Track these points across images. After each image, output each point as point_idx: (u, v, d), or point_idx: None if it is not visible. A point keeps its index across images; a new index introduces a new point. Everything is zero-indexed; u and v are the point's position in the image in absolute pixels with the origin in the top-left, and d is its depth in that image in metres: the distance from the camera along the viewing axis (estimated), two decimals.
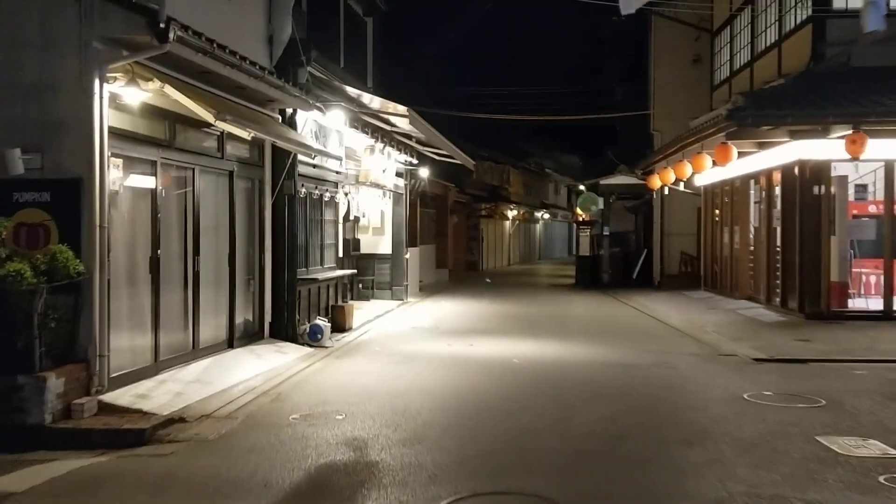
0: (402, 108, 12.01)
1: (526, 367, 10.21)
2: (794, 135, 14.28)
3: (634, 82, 27.93)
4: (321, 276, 12.73)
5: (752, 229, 18.34)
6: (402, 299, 19.42)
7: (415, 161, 19.49)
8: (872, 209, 15.39)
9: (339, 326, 13.34)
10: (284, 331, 11.14)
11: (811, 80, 13.74)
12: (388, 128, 14.91)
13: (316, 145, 11.96)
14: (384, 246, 19.68)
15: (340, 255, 14.11)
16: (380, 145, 15.41)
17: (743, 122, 12.67)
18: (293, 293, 11.19)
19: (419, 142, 18.69)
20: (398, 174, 19.43)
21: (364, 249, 19.43)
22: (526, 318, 16.49)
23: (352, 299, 18.71)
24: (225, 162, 9.84)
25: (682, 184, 20.54)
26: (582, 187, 27.05)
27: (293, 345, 11.02)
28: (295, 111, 11.23)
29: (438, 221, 28.82)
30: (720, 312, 16.69)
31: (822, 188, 14.09)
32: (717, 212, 21.02)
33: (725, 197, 19.98)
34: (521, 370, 9.94)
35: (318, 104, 11.50)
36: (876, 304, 14.44)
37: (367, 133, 14.57)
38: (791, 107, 12.71)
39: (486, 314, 17.21)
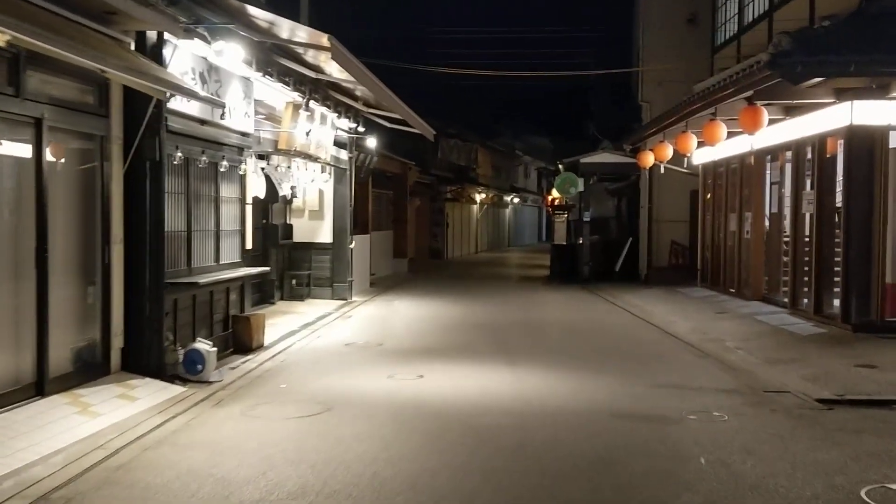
0: (323, 39, 8.53)
1: (504, 426, 6.72)
2: (842, 94, 11.05)
3: (619, 45, 24.63)
4: (213, 277, 9.26)
5: (767, 215, 15.15)
6: (346, 299, 15.99)
7: (360, 129, 15.99)
8: None
9: (244, 346, 9.90)
10: (145, 360, 7.67)
11: (866, 22, 10.47)
12: (317, 76, 11.42)
13: (202, 92, 8.45)
14: (324, 233, 16.21)
15: (249, 245, 10.61)
16: (310, 102, 11.90)
17: (791, 72, 9.39)
18: (158, 304, 7.70)
19: (367, 104, 15.22)
20: (340, 144, 15.94)
21: (298, 237, 15.99)
22: (496, 326, 13.13)
23: (281, 299, 15.26)
24: (24, 104, 6.30)
25: (685, 160, 17.31)
26: (560, 166, 23.71)
27: (157, 381, 7.55)
28: (162, 38, 7.71)
29: (396, 204, 25.40)
30: (734, 318, 13.48)
31: (881, 163, 10.87)
32: (716, 196, 17.81)
33: (731, 177, 16.77)
34: (497, 436, 6.43)
35: (197, 28, 7.98)
36: None
37: (287, 83, 11.08)
38: (852, 52, 9.44)
39: (447, 320, 13.82)
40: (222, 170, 9.61)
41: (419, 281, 21.95)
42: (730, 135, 13.46)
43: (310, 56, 11.17)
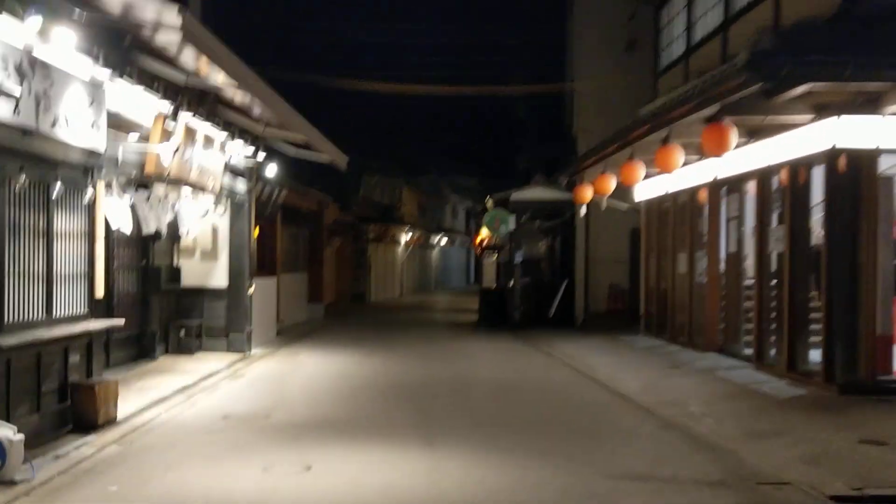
0: (171, 14, 6.39)
1: None
2: (822, 111, 9.43)
3: (551, 77, 23.11)
4: (36, 335, 6.91)
5: (722, 255, 13.50)
6: (244, 352, 13.64)
7: (261, 155, 13.81)
8: None
9: (87, 422, 7.54)
10: None
11: (851, 24, 8.89)
12: (187, 79, 9.27)
13: (15, 89, 6.23)
14: (218, 276, 13.89)
15: (101, 293, 8.27)
16: (185, 114, 9.71)
17: (773, 75, 7.68)
18: None
19: (268, 124, 13.10)
20: (236, 172, 13.73)
21: (188, 281, 13.65)
22: (415, 387, 10.99)
23: (166, 353, 12.83)
24: None
25: (626, 195, 15.66)
26: (489, 202, 21.90)
27: None
28: None
29: (312, 244, 23.14)
30: (691, 375, 11.67)
31: (869, 192, 9.25)
32: (662, 234, 16.19)
33: (680, 213, 15.14)
34: None
35: None
36: None
37: (155, 91, 8.89)
38: (847, 52, 7.77)
39: (358, 379, 11.62)
40: (55, 196, 7.32)
41: (335, 328, 19.67)
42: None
43: (186, 58, 9.05)
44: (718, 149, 9.48)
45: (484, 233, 23.21)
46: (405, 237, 36.73)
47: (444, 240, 46.88)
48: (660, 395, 10.14)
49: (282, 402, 9.56)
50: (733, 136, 9.50)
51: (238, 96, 11.22)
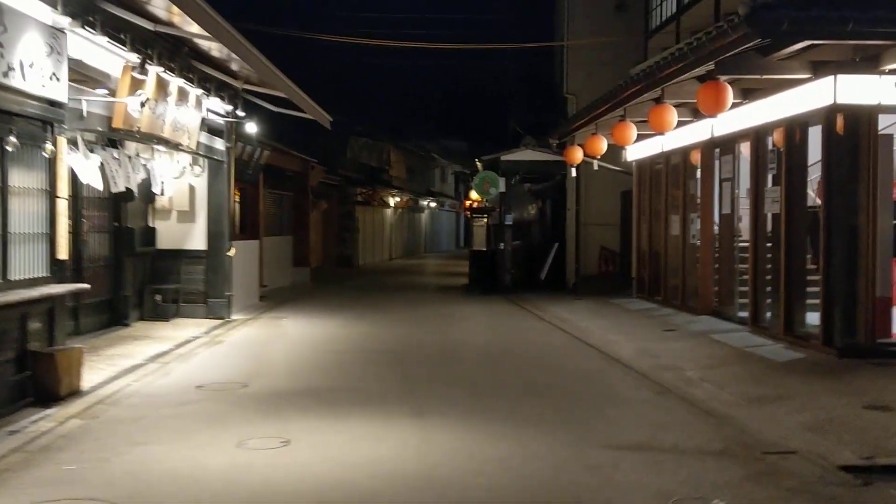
0: None
1: None
2: (820, 69, 9.01)
3: (542, 37, 22.53)
4: None
5: (716, 217, 13.14)
6: (223, 317, 13.25)
7: (240, 112, 13.30)
8: None
9: (49, 393, 7.15)
10: None
11: None
12: (155, 28, 8.76)
13: None
14: (196, 239, 13.44)
15: (64, 255, 7.80)
16: (156, 69, 9.19)
17: (774, 29, 7.23)
18: None
19: (248, 81, 12.60)
20: (215, 131, 13.23)
21: (164, 244, 13.23)
22: (403, 353, 10.64)
23: (141, 320, 12.44)
24: None
25: (617, 157, 15.25)
26: (479, 164, 21.42)
27: None
28: None
29: (297, 207, 22.68)
30: (686, 338, 11.37)
31: (869, 151, 8.86)
32: (654, 196, 15.79)
33: (673, 174, 14.74)
34: None
35: None
36: None
37: (122, 42, 8.38)
38: (848, 6, 7.32)
39: (344, 345, 11.26)
40: (11, 150, 6.84)
41: (321, 293, 19.29)
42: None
43: (156, 6, 8.54)
44: (715, 108, 9.05)
45: (473, 196, 22.75)
46: (394, 200, 36.25)
47: (434, 203, 46.40)
48: (655, 359, 9.83)
49: (261, 371, 9.19)
50: (730, 95, 9.07)
51: (214, 50, 10.72)
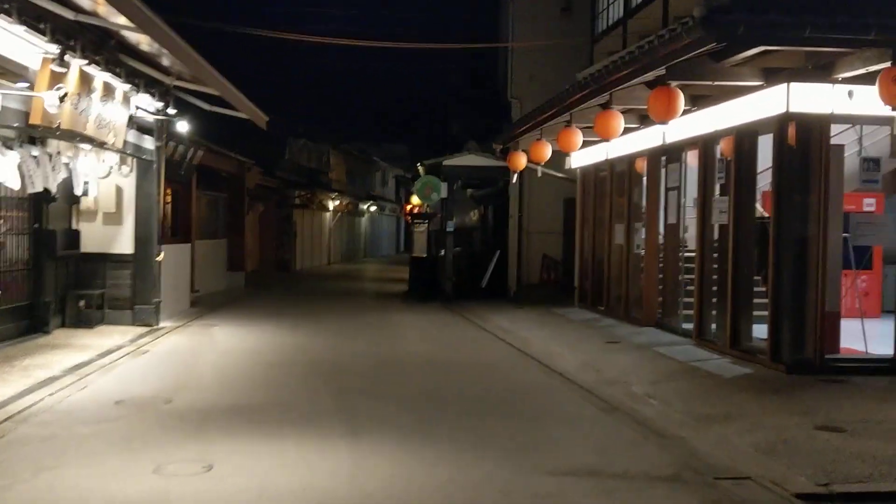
0: None
1: None
2: (772, 77, 8.86)
3: (486, 40, 22.25)
4: None
5: (662, 227, 12.99)
6: (151, 325, 12.57)
7: (171, 110, 12.64)
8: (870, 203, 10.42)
9: None
10: None
11: None
12: (76, 17, 8.12)
13: None
14: (123, 242, 12.73)
15: None
16: (79, 61, 8.55)
17: (730, 33, 7.01)
18: None
19: (181, 77, 11.99)
20: (144, 130, 12.55)
21: (88, 247, 12.50)
22: (339, 365, 10.15)
23: (62, 327, 11.70)
24: None
25: (561, 163, 15.01)
26: (420, 168, 21.02)
27: None
28: None
29: (233, 209, 21.92)
30: (630, 351, 11.14)
31: (820, 161, 8.73)
32: (599, 204, 15.60)
33: (618, 182, 14.57)
34: None
35: None
36: (881, 347, 9.32)
37: (41, 32, 7.74)
38: (806, 11, 7.14)
39: (277, 356, 10.70)
40: None
41: (256, 298, 18.63)
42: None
43: None
44: (667, 114, 8.83)
45: (415, 200, 22.34)
46: (333, 204, 35.61)
47: (374, 207, 45.85)
48: (600, 374, 9.56)
49: (187, 384, 8.60)
50: (681, 101, 8.87)
51: (144, 44, 10.10)
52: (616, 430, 7.05)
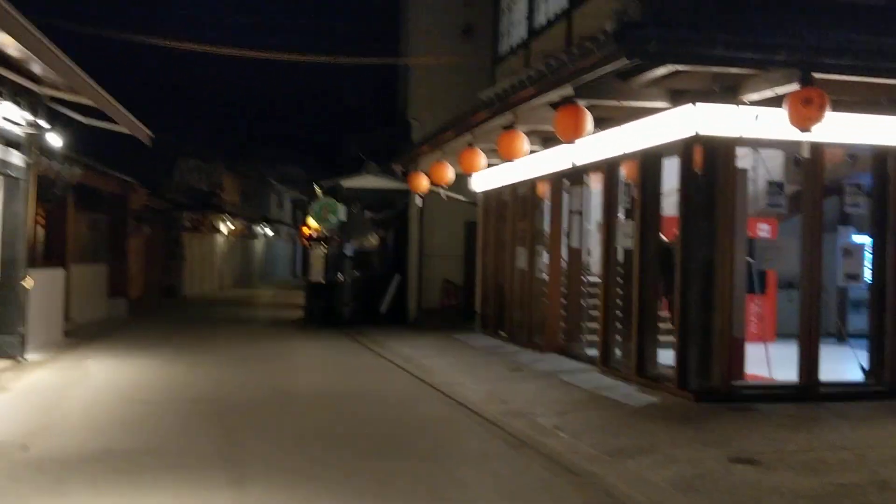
0: None
1: None
2: (679, 98, 8.72)
3: (385, 52, 21.81)
4: None
5: (565, 251, 12.76)
6: (16, 357, 11.38)
7: (43, 123, 11.60)
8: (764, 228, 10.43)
9: None
10: None
11: (712, 6, 8.19)
12: None
13: None
14: None
15: None
16: None
17: (642, 49, 6.76)
18: None
19: (55, 87, 11.02)
20: (10, 143, 11.45)
21: None
22: (227, 404, 9.32)
23: None
24: None
25: (463, 186, 14.66)
26: (318, 189, 20.31)
27: None
28: None
29: (115, 232, 20.60)
30: (535, 379, 10.77)
31: (727, 185, 8.61)
32: (500, 228, 15.32)
33: (520, 206, 14.30)
34: None
35: None
36: (782, 372, 9.25)
37: None
38: (719, 29, 6.96)
39: (156, 395, 9.77)
40: None
41: (139, 327, 17.44)
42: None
43: None
44: (574, 133, 8.56)
45: (312, 223, 21.55)
46: (226, 227, 34.29)
47: (270, 230, 44.55)
48: (505, 404, 9.12)
49: (50, 427, 7.66)
50: (589, 120, 8.62)
51: (11, 48, 9.16)
52: (526, 468, 6.60)
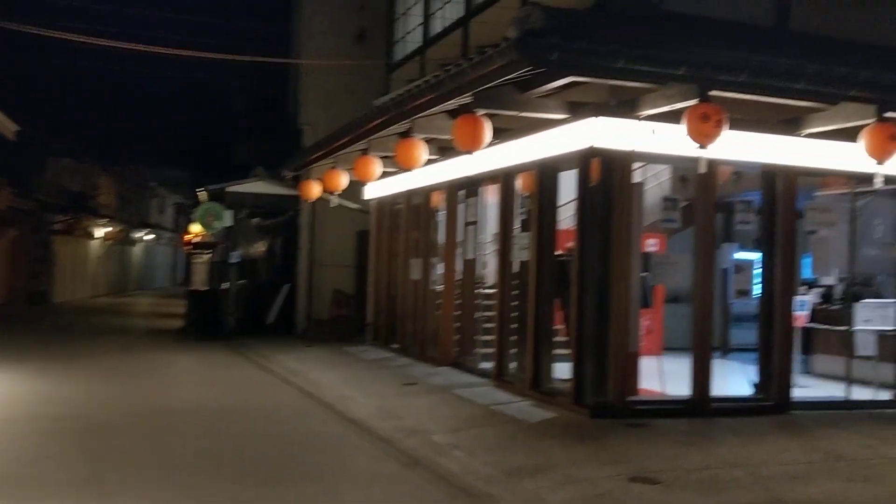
0: None
1: None
2: (577, 111, 8.62)
3: (274, 63, 21.13)
4: None
5: (459, 262, 12.53)
6: None
7: None
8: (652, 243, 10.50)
9: None
10: None
11: (611, 20, 8.15)
12: None
13: None
14: None
15: None
16: None
17: (543, 58, 6.58)
18: None
19: None
20: None
21: None
22: (91, 425, 8.55)
23: None
24: None
25: (356, 193, 14.24)
26: (202, 194, 19.42)
27: None
28: None
29: None
30: (429, 393, 10.46)
31: (623, 199, 8.56)
32: (393, 237, 14.99)
33: (414, 215, 14.01)
34: None
35: None
36: (672, 386, 9.28)
37: None
38: (620, 43, 6.87)
39: (13, 413, 8.89)
40: None
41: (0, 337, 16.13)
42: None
43: None
44: (472, 143, 8.32)
45: (195, 229, 20.61)
46: (101, 231, 32.53)
47: (150, 236, 42.66)
48: (398, 420, 8.77)
49: None
50: (488, 130, 8.40)
51: None
52: (421, 490, 6.29)
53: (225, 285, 18.13)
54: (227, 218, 18.13)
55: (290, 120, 20.24)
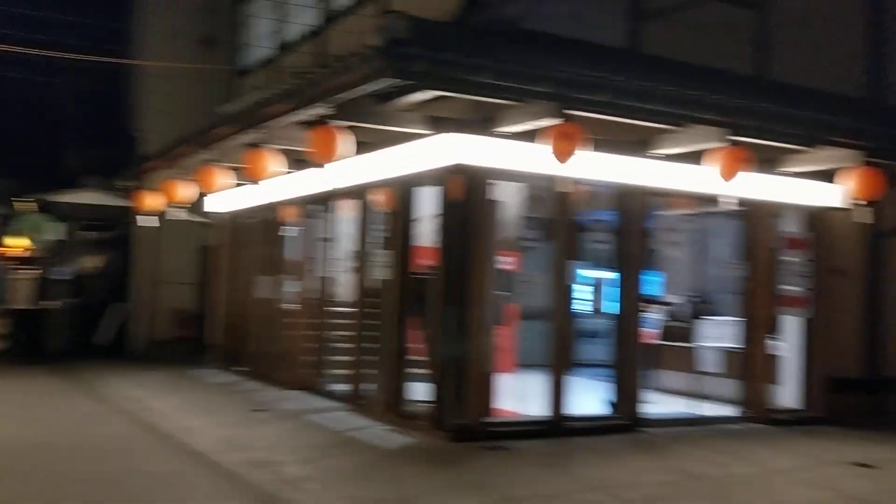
0: None
1: None
2: (439, 126, 8.39)
3: (109, 65, 19.75)
4: None
5: (312, 280, 12.00)
6: None
7: None
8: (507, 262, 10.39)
9: None
10: None
11: (476, 36, 7.98)
12: None
13: None
14: None
15: None
16: None
17: (406, 68, 6.28)
18: None
19: None
20: None
21: None
22: None
23: None
24: None
25: (200, 206, 13.37)
26: (23, 205, 17.83)
27: None
28: None
29: None
30: (280, 420, 9.86)
31: (483, 216, 8.39)
32: (240, 254, 14.24)
33: (262, 231, 13.34)
34: None
35: None
36: (526, 405, 9.16)
37: None
38: (484, 56, 6.67)
39: None
40: None
41: None
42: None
43: None
44: (327, 156, 7.91)
45: (16, 241, 18.89)
46: None
47: None
48: (246, 452, 8.15)
49: None
50: (345, 142, 8.01)
51: None
52: None
53: (52, 303, 16.66)
54: (54, 231, 16.69)
55: (127, 126, 18.97)
